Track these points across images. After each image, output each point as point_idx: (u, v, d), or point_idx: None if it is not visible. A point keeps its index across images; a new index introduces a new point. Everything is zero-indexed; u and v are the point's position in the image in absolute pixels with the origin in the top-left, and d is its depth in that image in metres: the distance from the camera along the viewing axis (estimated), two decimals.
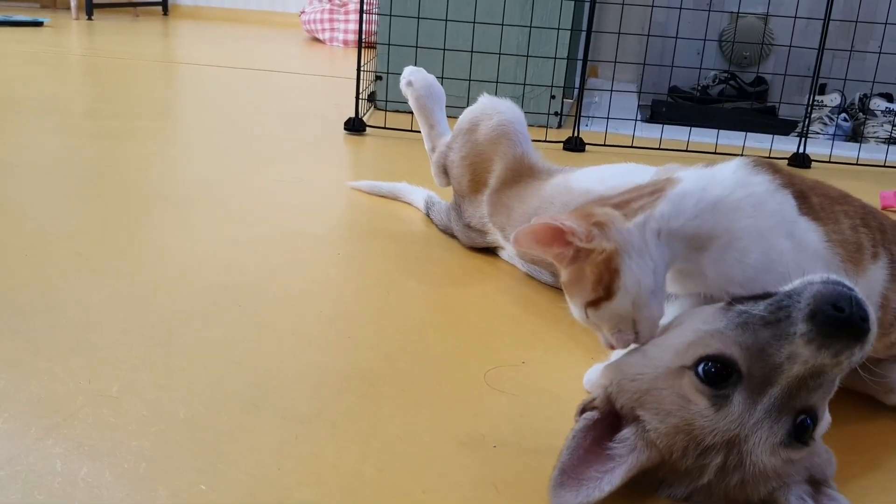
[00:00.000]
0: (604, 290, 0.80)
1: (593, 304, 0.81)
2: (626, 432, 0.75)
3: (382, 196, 1.68)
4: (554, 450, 0.83)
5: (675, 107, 3.40)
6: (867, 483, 0.83)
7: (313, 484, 0.76)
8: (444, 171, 1.44)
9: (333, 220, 1.52)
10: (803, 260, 0.82)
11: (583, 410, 0.79)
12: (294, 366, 0.97)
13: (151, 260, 1.25)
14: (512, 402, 0.93)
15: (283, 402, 0.89)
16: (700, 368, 0.72)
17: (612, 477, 0.72)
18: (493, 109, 1.36)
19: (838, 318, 0.70)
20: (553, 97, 2.51)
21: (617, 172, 1.22)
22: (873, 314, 0.72)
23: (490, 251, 1.40)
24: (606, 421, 0.78)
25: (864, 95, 3.10)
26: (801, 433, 0.71)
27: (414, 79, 1.49)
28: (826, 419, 0.75)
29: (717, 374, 0.72)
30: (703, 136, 2.40)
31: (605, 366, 0.83)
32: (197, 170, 1.80)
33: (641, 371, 0.77)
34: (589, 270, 0.81)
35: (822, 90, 3.20)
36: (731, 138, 2.43)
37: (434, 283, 1.26)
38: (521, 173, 1.33)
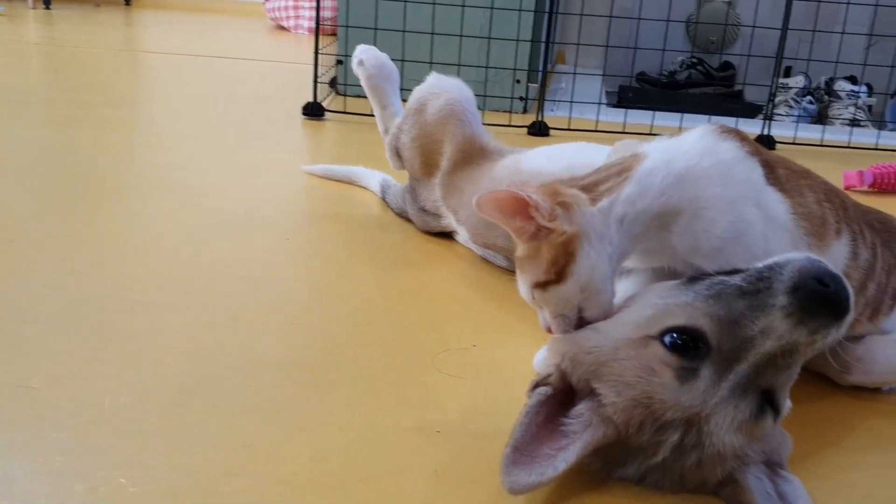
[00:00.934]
0: (556, 273, 0.78)
1: (542, 285, 0.79)
2: (581, 407, 0.72)
3: (337, 180, 1.63)
4: (501, 433, 0.80)
5: (642, 92, 3.38)
6: (821, 461, 0.80)
7: (243, 475, 0.72)
8: (398, 154, 1.40)
9: (285, 206, 1.47)
10: (770, 231, 0.80)
11: (535, 386, 0.75)
12: (232, 354, 0.93)
13: (92, 248, 1.20)
14: (460, 386, 0.90)
15: (218, 391, 0.85)
16: (667, 339, 0.69)
17: (567, 454, 0.69)
18: (440, 88, 1.32)
19: (822, 294, 0.67)
20: (518, 81, 2.47)
21: (567, 152, 1.18)
22: (853, 296, 0.69)
23: (446, 235, 1.36)
24: (560, 397, 0.74)
25: (830, 78, 3.09)
26: (762, 414, 0.69)
27: (365, 57, 1.45)
28: (787, 405, 0.72)
29: (684, 345, 0.69)
30: (668, 120, 2.38)
31: (557, 341, 0.80)
32: (151, 157, 1.75)
33: (598, 344, 0.74)
34: (546, 250, 0.78)
35: (788, 73, 3.19)
36: (695, 122, 2.41)
37: (387, 268, 1.22)
38: (472, 154, 1.29)
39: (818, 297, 0.67)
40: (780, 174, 0.84)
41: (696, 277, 0.76)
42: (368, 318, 1.05)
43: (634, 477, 0.72)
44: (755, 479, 0.70)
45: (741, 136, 0.83)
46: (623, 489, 0.73)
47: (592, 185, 0.82)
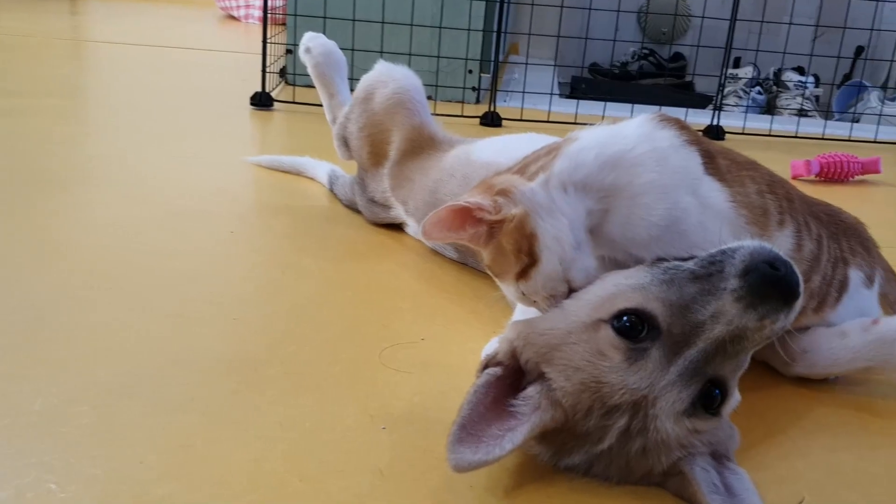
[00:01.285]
0: (527, 255, 0.77)
1: (522, 274, 0.77)
2: (531, 390, 0.71)
3: (284, 171, 1.60)
4: (447, 428, 0.78)
5: (594, 83, 3.38)
6: (768, 450, 0.80)
7: (177, 477, 0.69)
8: (346, 143, 1.38)
9: (229, 198, 1.44)
10: (707, 219, 0.79)
11: (485, 366, 0.74)
12: (170, 351, 0.90)
13: (25, 242, 1.16)
14: (406, 381, 0.88)
15: (154, 390, 0.82)
16: (617, 322, 0.68)
17: (514, 436, 0.68)
18: (388, 77, 1.30)
19: (772, 277, 0.67)
20: (470, 71, 2.45)
21: (517, 142, 1.17)
22: (803, 284, 0.69)
23: (396, 226, 1.34)
24: (510, 378, 0.73)
25: (778, 69, 3.13)
26: (709, 403, 0.68)
27: (312, 45, 1.42)
28: (735, 397, 0.72)
29: (632, 328, 0.68)
30: (619, 111, 2.38)
31: (515, 322, 0.79)
32: (91, 148, 1.70)
33: (553, 325, 0.73)
34: (506, 241, 0.77)
35: (737, 64, 3.22)
36: (646, 112, 2.42)
37: (334, 261, 1.20)
38: (421, 144, 1.27)
39: (769, 281, 0.67)
40: (720, 164, 0.84)
41: (655, 262, 0.75)
42: (313, 313, 1.03)
43: (581, 466, 0.71)
44: (701, 470, 0.69)
45: (680, 125, 0.82)
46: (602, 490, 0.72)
47: (523, 168, 0.82)
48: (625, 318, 0.69)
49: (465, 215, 0.77)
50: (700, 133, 0.86)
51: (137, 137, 1.81)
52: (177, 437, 0.75)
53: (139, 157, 1.64)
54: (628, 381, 0.67)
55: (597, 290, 0.75)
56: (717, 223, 0.79)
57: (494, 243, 0.78)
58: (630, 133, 0.81)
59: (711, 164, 0.83)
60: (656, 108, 2.44)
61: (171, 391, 0.82)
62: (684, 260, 0.73)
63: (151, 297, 1.02)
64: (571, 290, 0.78)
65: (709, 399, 0.68)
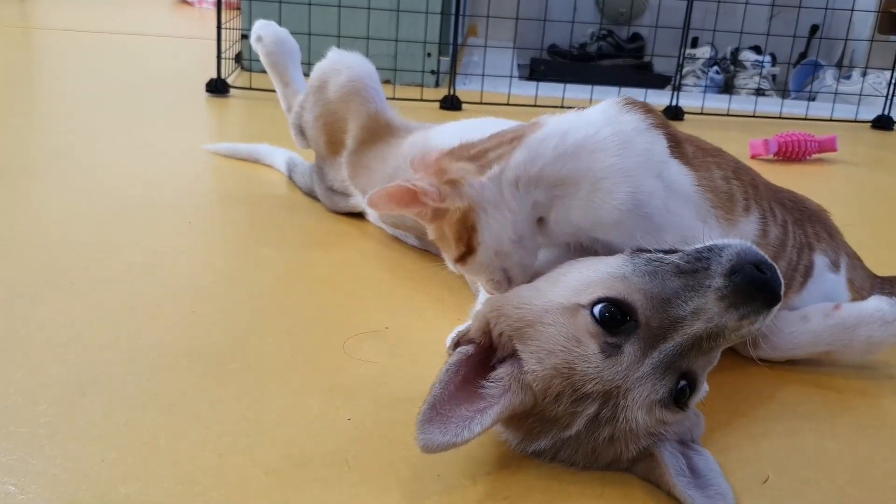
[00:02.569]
0: (465, 245, 0.79)
1: (460, 259, 0.81)
2: (501, 371, 0.70)
3: (241, 159, 1.58)
4: (412, 416, 0.78)
5: (553, 65, 3.39)
6: (733, 432, 0.81)
7: (141, 475, 0.68)
8: (302, 132, 1.36)
9: (186, 187, 1.41)
10: (673, 202, 0.79)
11: (457, 344, 0.73)
12: (129, 346, 0.88)
13: None
14: (370, 371, 0.87)
15: (114, 386, 0.80)
16: (597, 309, 0.68)
17: (484, 418, 0.67)
18: (341, 65, 1.28)
19: (758, 280, 0.67)
20: (429, 55, 2.44)
21: (476, 128, 1.16)
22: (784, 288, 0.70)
23: (356, 215, 1.33)
24: (481, 356, 0.73)
25: (735, 49, 3.15)
26: (679, 397, 0.68)
27: (264, 34, 1.39)
28: (703, 388, 0.72)
29: (611, 318, 0.67)
30: (579, 93, 2.39)
31: (491, 297, 0.79)
32: (40, 139, 1.66)
33: (529, 301, 0.72)
34: (447, 229, 0.80)
35: (695, 44, 3.25)
36: (606, 94, 2.42)
37: (294, 251, 1.18)
38: (378, 132, 1.26)
39: (754, 283, 0.67)
40: (686, 150, 0.84)
41: (636, 252, 0.74)
42: (274, 304, 1.01)
43: (548, 452, 0.71)
44: (669, 454, 0.70)
45: (646, 109, 0.82)
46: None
47: (482, 153, 0.81)
48: (604, 306, 0.68)
49: (412, 196, 0.79)
50: (667, 120, 0.86)
51: (89, 127, 1.77)
52: (139, 433, 0.73)
53: (91, 148, 1.60)
54: (602, 371, 0.67)
55: (576, 275, 0.74)
56: (683, 206, 0.80)
57: (437, 224, 0.81)
58: (593, 118, 0.81)
59: (677, 148, 0.83)
60: (615, 88, 2.46)
61: (131, 387, 0.80)
62: (667, 252, 0.73)
63: (106, 291, 1.00)
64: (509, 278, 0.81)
65: (679, 393, 0.69)
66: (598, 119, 0.81)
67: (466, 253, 0.80)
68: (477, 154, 0.82)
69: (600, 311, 0.68)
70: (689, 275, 0.69)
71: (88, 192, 1.35)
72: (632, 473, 0.72)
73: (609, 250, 0.79)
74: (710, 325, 0.67)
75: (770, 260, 0.70)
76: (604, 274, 0.72)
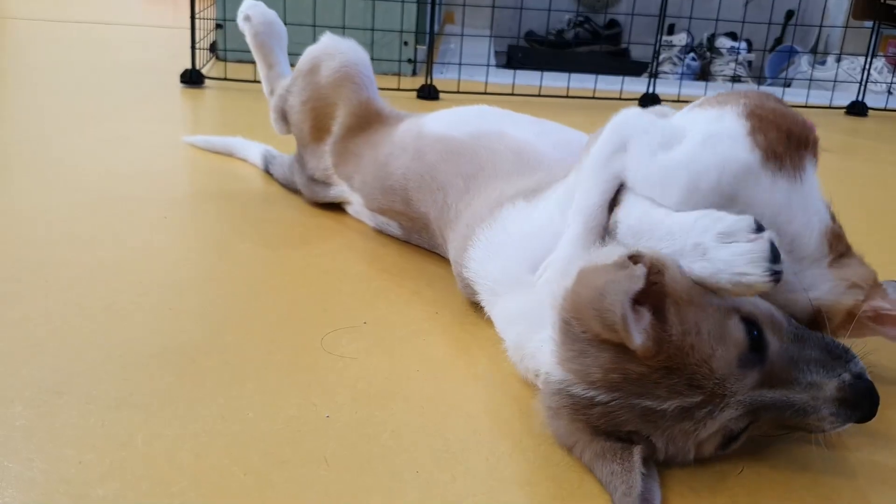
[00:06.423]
0: None
1: None
2: (645, 313, 0.68)
3: (216, 152, 1.56)
4: (392, 414, 0.78)
5: (530, 52, 3.38)
6: None
7: (118, 476, 0.67)
8: (284, 117, 1.35)
9: (161, 181, 1.40)
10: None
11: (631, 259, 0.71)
12: (104, 345, 0.87)
13: None
14: (349, 367, 0.87)
15: (89, 386, 0.79)
16: (747, 325, 0.69)
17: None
18: (335, 49, 1.27)
19: (875, 399, 0.70)
20: (405, 43, 2.43)
21: (471, 117, 1.16)
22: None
23: (336, 207, 1.32)
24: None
25: (712, 35, 3.16)
26: (727, 445, 0.71)
27: (252, 13, 1.38)
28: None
29: (752, 340, 0.69)
30: (556, 81, 2.39)
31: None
32: (10, 132, 1.64)
33: (694, 284, 0.71)
34: None
35: (671, 30, 3.25)
36: (583, 81, 2.43)
37: (272, 245, 1.18)
38: (368, 120, 1.25)
39: (872, 399, 0.70)
40: None
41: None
42: (251, 300, 1.01)
43: (610, 406, 0.69)
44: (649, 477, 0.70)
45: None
46: None
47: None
48: (753, 327, 0.69)
49: None
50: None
51: (60, 120, 1.75)
52: (116, 435, 0.73)
53: (63, 141, 1.58)
54: (727, 378, 0.67)
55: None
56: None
57: None
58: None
59: None
60: (592, 76, 2.46)
61: (107, 387, 0.80)
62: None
63: (80, 288, 0.99)
64: None
65: (729, 441, 0.71)
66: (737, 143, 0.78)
67: None
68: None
69: (749, 329, 0.69)
70: (833, 356, 0.71)
71: (60, 186, 1.33)
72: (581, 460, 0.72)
73: None
74: (807, 402, 0.69)
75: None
76: (765, 308, 0.73)
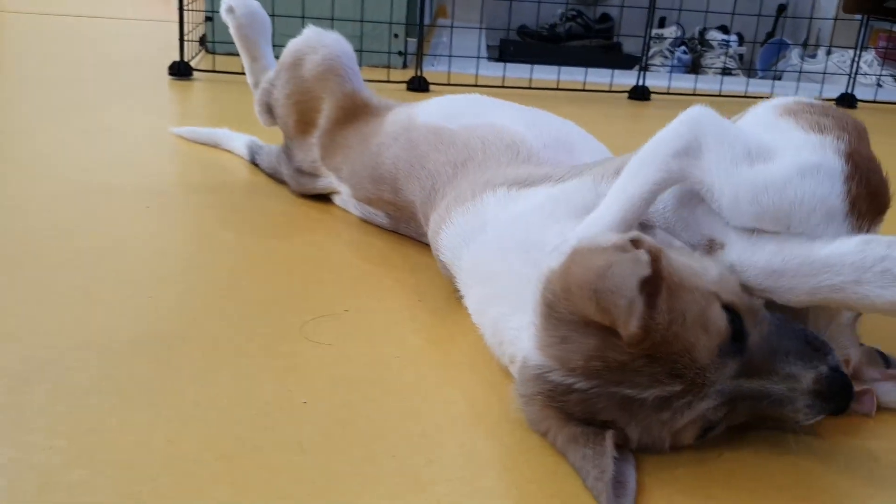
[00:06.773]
0: None
1: None
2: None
3: (202, 143, 1.55)
4: (369, 400, 0.78)
5: (523, 46, 3.37)
6: None
7: (88, 462, 0.67)
8: (269, 110, 1.34)
9: (146, 172, 1.39)
10: None
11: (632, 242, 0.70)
12: (78, 333, 0.86)
13: None
14: (327, 353, 0.86)
15: (60, 374, 0.78)
16: (729, 315, 0.68)
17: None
18: (318, 42, 1.26)
19: (848, 390, 0.69)
20: (396, 35, 2.42)
21: (464, 107, 1.14)
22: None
23: (322, 197, 1.31)
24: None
25: (703, 28, 3.16)
26: (703, 435, 0.70)
27: (236, 5, 1.37)
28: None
29: (734, 329, 0.68)
30: (546, 73, 2.38)
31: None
32: None
33: (690, 267, 0.71)
34: None
35: (662, 24, 3.24)
36: (573, 74, 2.42)
37: (255, 234, 1.17)
38: (355, 111, 1.24)
39: (846, 390, 0.69)
40: None
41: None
42: (232, 288, 1.00)
43: (590, 393, 0.69)
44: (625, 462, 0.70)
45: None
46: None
47: None
48: (733, 314, 0.69)
49: None
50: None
51: (47, 111, 1.73)
52: (87, 420, 0.72)
53: (47, 132, 1.57)
54: (708, 367, 0.67)
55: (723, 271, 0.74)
56: None
57: None
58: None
59: None
60: (583, 70, 2.45)
61: (80, 374, 0.79)
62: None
63: (57, 277, 0.98)
64: None
65: (707, 431, 0.70)
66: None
67: None
68: None
69: (730, 317, 0.68)
70: (812, 347, 0.70)
71: (42, 176, 1.32)
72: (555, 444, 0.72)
73: None
74: (783, 392, 0.68)
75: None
76: (745, 297, 0.72)
